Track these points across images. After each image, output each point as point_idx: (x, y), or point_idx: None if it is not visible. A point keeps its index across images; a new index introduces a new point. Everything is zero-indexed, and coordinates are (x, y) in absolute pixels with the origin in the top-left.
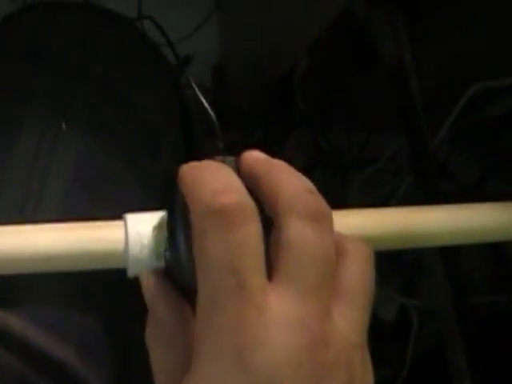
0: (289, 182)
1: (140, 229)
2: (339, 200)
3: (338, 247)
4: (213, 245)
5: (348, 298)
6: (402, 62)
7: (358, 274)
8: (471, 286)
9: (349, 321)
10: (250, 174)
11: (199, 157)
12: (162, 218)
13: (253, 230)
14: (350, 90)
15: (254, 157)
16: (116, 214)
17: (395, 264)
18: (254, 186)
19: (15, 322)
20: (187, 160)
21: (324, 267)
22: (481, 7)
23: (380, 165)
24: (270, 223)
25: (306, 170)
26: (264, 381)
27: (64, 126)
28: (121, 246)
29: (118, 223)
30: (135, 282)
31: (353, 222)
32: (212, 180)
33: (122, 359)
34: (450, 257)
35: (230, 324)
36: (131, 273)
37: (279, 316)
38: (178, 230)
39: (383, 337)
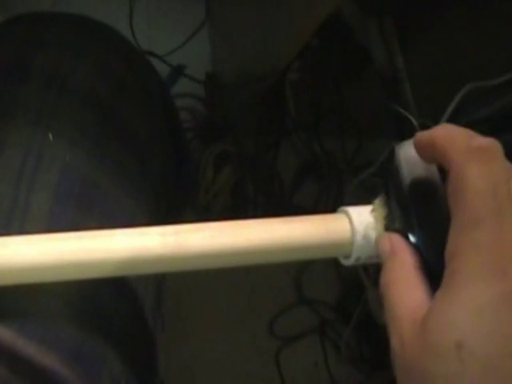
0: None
1: (361, 216)
2: (334, 204)
3: None
4: (475, 173)
5: None
6: (393, 67)
7: None
8: None
9: None
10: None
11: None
12: (376, 203)
13: (502, 165)
14: (342, 96)
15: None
16: (102, 224)
17: None
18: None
19: (4, 332)
20: (177, 169)
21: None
22: (471, 10)
23: (374, 169)
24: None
25: (300, 175)
26: None
27: (51, 137)
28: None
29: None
30: (124, 293)
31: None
32: (459, 131)
33: (111, 369)
34: None
35: (490, 239)
36: (356, 256)
37: None
38: (399, 198)
39: (382, 340)
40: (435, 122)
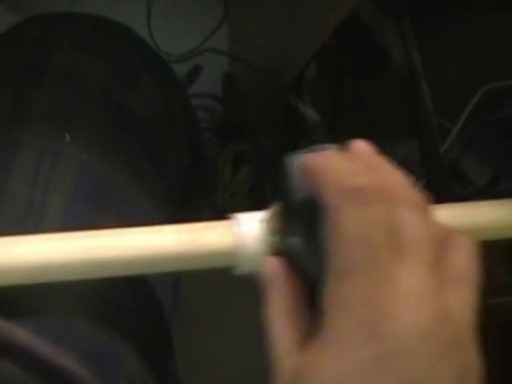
0: (392, 176)
1: (250, 224)
2: None
3: (445, 236)
4: (349, 219)
5: (458, 282)
6: (411, 66)
7: (465, 262)
8: (486, 286)
9: (462, 302)
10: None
11: (208, 163)
12: (269, 212)
13: (384, 208)
14: (360, 96)
15: (359, 146)
16: (119, 224)
17: None
18: None
19: (21, 333)
20: (194, 169)
21: (435, 248)
22: (490, 9)
23: None
24: None
25: None
26: (393, 351)
27: (68, 138)
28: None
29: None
30: (143, 292)
31: None
32: (345, 164)
33: (127, 368)
34: None
35: (363, 294)
36: (245, 268)
37: (407, 289)
38: (293, 216)
39: None
40: (453, 122)
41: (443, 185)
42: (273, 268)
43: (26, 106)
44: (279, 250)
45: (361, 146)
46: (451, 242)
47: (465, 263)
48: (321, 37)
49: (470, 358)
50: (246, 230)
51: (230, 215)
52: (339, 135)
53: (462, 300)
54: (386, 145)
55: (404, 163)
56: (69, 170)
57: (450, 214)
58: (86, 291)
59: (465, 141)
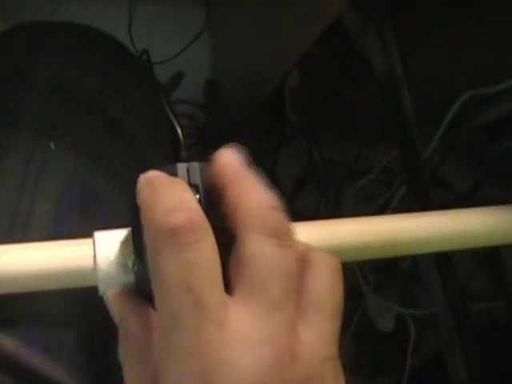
0: (250, 196)
1: (108, 245)
2: (334, 211)
3: (304, 259)
4: (166, 264)
5: (315, 310)
6: (392, 74)
7: (324, 286)
8: (467, 293)
9: (317, 332)
10: (216, 180)
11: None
12: (128, 232)
13: (205, 246)
14: (342, 102)
15: (223, 161)
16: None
17: (391, 274)
18: (219, 193)
19: (8, 341)
20: None
21: (285, 281)
22: (470, 18)
23: (373, 176)
24: (232, 236)
25: (299, 182)
26: None
27: (52, 146)
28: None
29: (90, 240)
30: None
31: (342, 230)
32: (164, 198)
33: (115, 377)
34: (446, 265)
35: (189, 343)
36: (102, 289)
37: (241, 332)
38: (142, 242)
39: (381, 347)
40: (435, 129)
41: (425, 191)
42: (122, 303)
43: (12, 113)
44: (131, 276)
45: (225, 159)
46: (311, 264)
47: (322, 288)
48: (305, 44)
49: None
50: (102, 251)
51: (94, 232)
52: (321, 142)
53: (316, 330)
54: (367, 152)
55: (386, 170)
56: (55, 178)
57: (432, 222)
58: (73, 300)
59: (446, 148)
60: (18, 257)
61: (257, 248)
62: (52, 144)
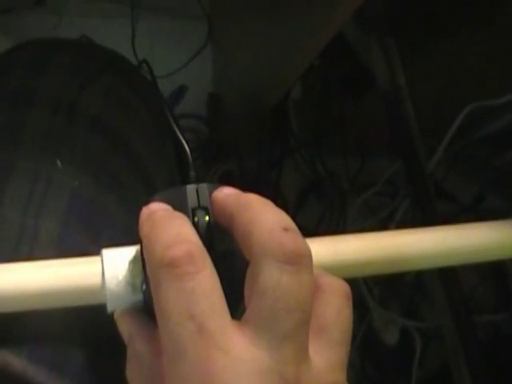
0: (261, 218)
1: (116, 263)
2: (338, 224)
3: (315, 282)
4: (166, 294)
5: (324, 336)
6: (395, 86)
7: (333, 312)
8: (472, 305)
9: (326, 359)
10: (222, 212)
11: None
12: (137, 251)
13: (205, 276)
14: (345, 115)
15: (225, 193)
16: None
17: (395, 287)
18: (229, 224)
19: (14, 360)
20: None
21: (300, 315)
22: (473, 30)
23: (377, 188)
24: (245, 260)
25: (303, 195)
26: None
27: (59, 164)
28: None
29: (97, 258)
30: None
31: (347, 247)
32: (163, 233)
33: None
34: (450, 278)
35: (194, 372)
36: (110, 308)
37: (249, 362)
38: None
39: (386, 360)
40: (439, 141)
41: (428, 203)
42: (130, 325)
43: (18, 131)
44: (140, 295)
45: (226, 191)
46: (320, 289)
47: (332, 314)
48: (308, 58)
49: None
50: (110, 269)
51: (102, 250)
52: (324, 155)
53: (324, 356)
54: (371, 164)
55: (390, 182)
56: (61, 195)
57: (437, 237)
58: (80, 317)
59: (450, 159)
60: (26, 275)
61: (273, 278)
62: (58, 162)
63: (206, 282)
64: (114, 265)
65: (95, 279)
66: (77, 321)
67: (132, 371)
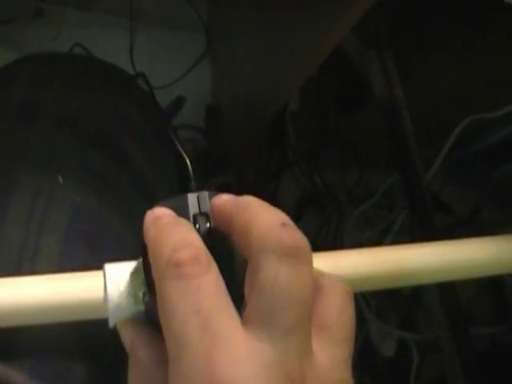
0: (259, 217)
1: (118, 276)
2: (336, 236)
3: (316, 283)
4: (172, 292)
5: (327, 334)
6: (393, 98)
7: (336, 310)
8: (469, 317)
9: (329, 356)
10: (221, 217)
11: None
12: (138, 263)
13: (210, 277)
14: (342, 127)
15: (223, 199)
16: None
17: (392, 299)
18: (228, 229)
19: (16, 375)
20: None
21: (301, 308)
22: (471, 42)
23: (375, 200)
24: (246, 262)
25: (301, 206)
26: None
27: (61, 180)
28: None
29: (99, 273)
30: None
31: (347, 262)
32: (171, 237)
33: None
34: (447, 289)
35: (198, 366)
36: (112, 320)
37: (253, 356)
38: (151, 276)
39: (383, 372)
40: (436, 153)
41: (426, 215)
42: (132, 333)
43: (20, 146)
44: (141, 306)
45: (223, 197)
46: (322, 289)
47: (334, 312)
48: (307, 71)
49: None
50: (112, 283)
51: (104, 264)
52: (322, 167)
53: (328, 353)
54: (368, 176)
55: (387, 194)
56: (62, 211)
57: (436, 252)
58: (82, 331)
59: (447, 172)
60: (28, 289)
61: (272, 272)
62: (60, 178)
63: (211, 282)
64: (116, 278)
65: (97, 293)
66: (78, 335)
67: (134, 379)
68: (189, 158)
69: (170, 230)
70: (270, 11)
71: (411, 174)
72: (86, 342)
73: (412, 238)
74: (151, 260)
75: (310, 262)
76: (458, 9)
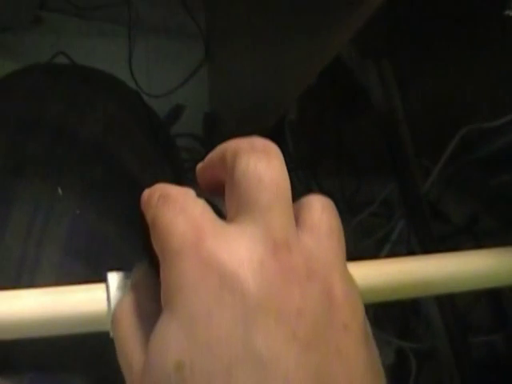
0: (233, 140)
1: (120, 285)
2: None
3: (296, 203)
4: (163, 215)
5: (311, 230)
6: (391, 108)
7: (317, 210)
8: (467, 325)
9: (319, 243)
10: (206, 175)
11: None
12: (135, 274)
13: (198, 202)
14: (341, 136)
15: (200, 163)
16: None
17: (390, 308)
18: (216, 188)
19: None
20: None
21: (276, 189)
22: (469, 52)
23: (373, 209)
24: None
25: None
26: (230, 277)
27: (60, 192)
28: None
29: (101, 285)
30: None
31: None
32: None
33: None
34: (445, 298)
35: (192, 260)
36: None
37: (238, 233)
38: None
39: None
40: (434, 162)
41: (424, 224)
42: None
43: (19, 158)
44: None
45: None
46: (308, 205)
47: (317, 213)
48: (305, 80)
49: (335, 288)
50: (114, 291)
51: (107, 273)
52: (320, 175)
53: (318, 241)
54: (366, 185)
55: (385, 203)
56: (62, 223)
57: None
58: (82, 345)
59: (445, 181)
60: (27, 302)
61: (243, 164)
62: (59, 190)
63: (197, 204)
64: (118, 286)
65: (97, 306)
66: (79, 348)
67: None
68: (187, 167)
69: (166, 186)
70: (269, 21)
71: (409, 182)
72: (85, 355)
73: (410, 247)
74: (143, 206)
75: (282, 160)
76: (456, 19)
